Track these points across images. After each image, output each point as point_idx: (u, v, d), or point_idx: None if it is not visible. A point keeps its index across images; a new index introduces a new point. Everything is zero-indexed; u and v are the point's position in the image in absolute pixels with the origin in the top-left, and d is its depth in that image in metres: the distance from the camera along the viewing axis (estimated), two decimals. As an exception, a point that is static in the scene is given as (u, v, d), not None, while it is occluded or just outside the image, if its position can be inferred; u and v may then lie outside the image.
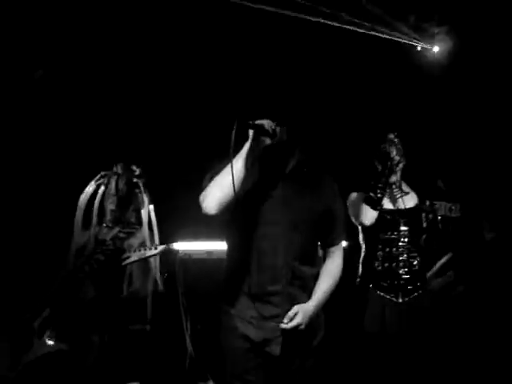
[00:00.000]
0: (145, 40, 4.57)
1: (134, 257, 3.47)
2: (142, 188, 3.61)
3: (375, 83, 4.87)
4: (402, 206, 3.40)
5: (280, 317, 2.51)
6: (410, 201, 3.44)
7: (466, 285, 3.94)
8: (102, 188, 3.66)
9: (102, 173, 3.72)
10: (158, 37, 4.56)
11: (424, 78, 4.91)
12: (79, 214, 3.62)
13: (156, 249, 3.48)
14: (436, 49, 5.16)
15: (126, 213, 3.74)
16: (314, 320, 2.58)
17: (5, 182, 4.31)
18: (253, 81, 4.50)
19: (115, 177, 3.69)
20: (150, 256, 3.53)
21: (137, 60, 4.65)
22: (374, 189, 3.24)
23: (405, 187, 3.48)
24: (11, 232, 4.25)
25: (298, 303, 2.53)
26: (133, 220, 3.75)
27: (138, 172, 3.64)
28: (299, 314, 2.48)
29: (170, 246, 3.81)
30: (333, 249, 2.70)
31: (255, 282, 2.54)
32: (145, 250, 3.47)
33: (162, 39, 4.57)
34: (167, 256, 4.36)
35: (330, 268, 2.67)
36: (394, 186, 3.42)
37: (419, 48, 5.12)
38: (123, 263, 3.45)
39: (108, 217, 3.66)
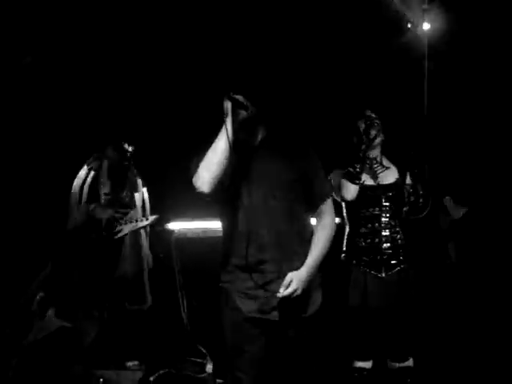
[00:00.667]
0: (128, 25, 4.57)
1: (126, 229, 3.51)
2: (134, 171, 3.62)
3: (357, 58, 4.88)
4: (383, 182, 3.44)
5: (273, 283, 2.60)
6: (391, 176, 3.48)
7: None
8: (93, 172, 3.67)
9: (95, 155, 3.73)
10: (140, 21, 4.56)
11: (410, 56, 4.92)
12: (73, 197, 3.63)
13: (147, 220, 3.52)
14: (426, 26, 5.12)
15: (120, 195, 3.77)
16: (311, 285, 2.65)
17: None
18: (224, 57, 4.54)
19: (106, 160, 3.70)
20: (142, 227, 3.58)
21: (125, 45, 4.65)
22: (352, 163, 3.30)
23: (386, 162, 3.52)
24: (3, 218, 4.25)
25: (290, 268, 2.60)
26: (127, 201, 3.78)
27: (130, 150, 3.64)
28: (294, 280, 2.55)
29: (160, 218, 3.83)
30: (318, 210, 2.73)
31: (245, 254, 2.61)
32: (136, 221, 3.51)
33: (144, 23, 4.57)
34: (162, 235, 4.43)
35: (320, 231, 2.71)
36: (374, 162, 3.45)
37: (408, 25, 5.09)
38: (116, 236, 3.49)
39: (102, 201, 3.69)
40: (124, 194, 3.76)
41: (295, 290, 2.55)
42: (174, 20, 4.59)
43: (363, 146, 3.31)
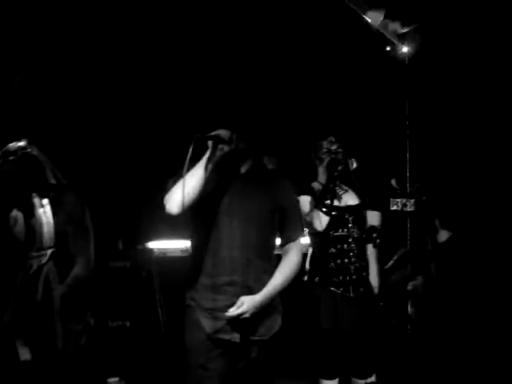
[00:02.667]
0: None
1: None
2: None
3: (336, 82, 5.00)
4: (347, 203, 3.53)
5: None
6: (352, 198, 3.56)
7: (425, 276, 4.09)
8: None
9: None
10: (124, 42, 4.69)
11: (390, 78, 5.03)
12: None
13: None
14: (405, 49, 5.19)
15: None
16: (268, 311, 2.74)
17: None
18: (209, 92, 4.67)
19: None
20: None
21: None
22: (324, 196, 3.39)
23: (343, 186, 3.59)
24: None
25: (252, 293, 2.69)
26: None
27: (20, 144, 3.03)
28: (244, 304, 2.64)
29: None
30: (287, 247, 2.84)
31: (213, 274, 2.72)
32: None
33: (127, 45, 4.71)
34: (144, 255, 4.55)
35: (284, 265, 2.81)
36: (335, 185, 3.52)
37: (387, 48, 5.18)
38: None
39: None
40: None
41: (243, 313, 2.64)
42: (151, 50, 4.74)
43: (330, 182, 3.41)
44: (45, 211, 3.03)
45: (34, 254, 3.07)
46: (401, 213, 3.94)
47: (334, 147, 3.48)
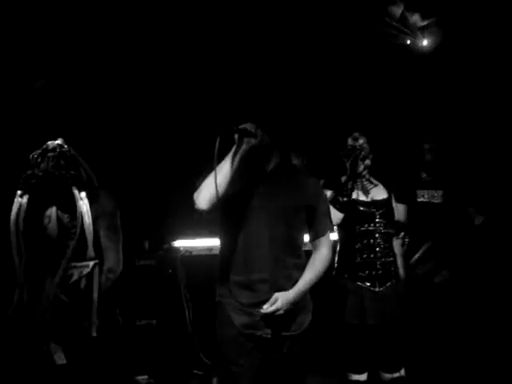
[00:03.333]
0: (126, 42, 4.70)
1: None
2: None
3: (358, 79, 5.00)
4: (375, 198, 3.54)
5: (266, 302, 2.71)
6: (380, 192, 3.57)
7: (451, 270, 4.07)
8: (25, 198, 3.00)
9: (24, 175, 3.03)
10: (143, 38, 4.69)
11: (410, 71, 5.02)
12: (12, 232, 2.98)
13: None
14: (425, 42, 5.19)
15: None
16: (299, 306, 2.77)
17: None
18: (235, 87, 4.68)
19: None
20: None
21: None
22: (340, 191, 3.39)
23: (373, 180, 3.60)
24: None
25: (282, 290, 2.71)
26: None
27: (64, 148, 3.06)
28: (279, 300, 2.68)
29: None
30: (317, 241, 2.88)
31: (242, 272, 2.75)
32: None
33: (147, 40, 4.70)
34: (170, 254, 4.58)
35: (314, 260, 2.85)
36: (364, 179, 3.54)
37: (408, 42, 5.18)
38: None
39: None
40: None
41: (278, 309, 2.67)
42: (173, 45, 4.75)
43: (349, 180, 3.41)
44: (84, 203, 3.05)
45: (77, 265, 3.06)
46: (428, 204, 3.91)
47: (358, 143, 3.48)
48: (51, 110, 4.47)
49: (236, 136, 2.68)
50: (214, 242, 4.39)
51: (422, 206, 4.10)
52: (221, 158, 2.68)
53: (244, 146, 2.68)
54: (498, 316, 4.16)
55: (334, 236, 3.65)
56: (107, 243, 3.14)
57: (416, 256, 4.06)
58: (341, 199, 3.37)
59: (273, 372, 2.78)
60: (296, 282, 2.76)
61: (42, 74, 4.60)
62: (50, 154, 3.03)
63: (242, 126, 2.67)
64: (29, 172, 3.02)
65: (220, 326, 2.83)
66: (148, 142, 4.87)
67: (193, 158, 4.43)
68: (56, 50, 4.49)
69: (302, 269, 2.81)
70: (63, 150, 3.05)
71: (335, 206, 3.36)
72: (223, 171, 2.66)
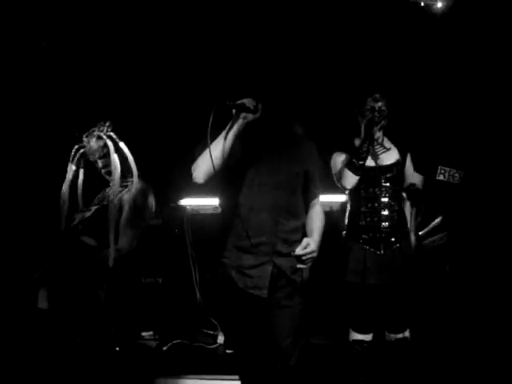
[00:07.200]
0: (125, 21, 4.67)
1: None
2: (111, 149, 3.29)
3: (368, 40, 4.92)
4: (382, 163, 3.49)
5: (265, 264, 2.81)
6: (391, 156, 3.53)
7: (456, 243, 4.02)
8: (82, 173, 3.41)
9: (76, 147, 3.39)
10: (139, 17, 4.66)
11: (422, 36, 4.92)
12: (62, 201, 3.33)
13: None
14: (439, 4, 5.09)
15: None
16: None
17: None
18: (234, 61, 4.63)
19: (92, 152, 3.35)
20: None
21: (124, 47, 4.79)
22: (356, 155, 3.35)
23: (387, 143, 3.56)
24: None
25: (279, 252, 2.81)
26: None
27: (108, 129, 3.36)
28: (310, 244, 2.78)
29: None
30: (313, 202, 3.01)
31: (244, 236, 2.81)
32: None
33: (143, 20, 4.67)
34: (176, 213, 4.59)
35: (315, 213, 3.00)
36: (375, 143, 3.49)
37: (421, 4, 5.08)
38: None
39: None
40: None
41: (313, 251, 2.76)
42: (174, 24, 4.70)
43: (365, 143, 3.36)
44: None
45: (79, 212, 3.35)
46: (445, 184, 3.78)
47: (378, 105, 3.42)
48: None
49: (233, 111, 2.70)
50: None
51: (439, 185, 3.99)
52: (219, 131, 2.70)
53: (240, 121, 2.70)
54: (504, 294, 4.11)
55: (343, 198, 3.72)
56: (125, 225, 3.32)
57: (425, 230, 4.03)
58: (357, 163, 3.34)
59: (272, 322, 2.86)
60: (291, 245, 2.83)
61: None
62: (95, 133, 3.35)
63: (240, 102, 2.68)
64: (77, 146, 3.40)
65: (221, 285, 2.90)
66: (156, 101, 4.84)
67: (199, 119, 4.39)
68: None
69: (300, 231, 2.90)
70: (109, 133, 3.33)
71: (351, 170, 3.34)
72: (219, 146, 2.70)
